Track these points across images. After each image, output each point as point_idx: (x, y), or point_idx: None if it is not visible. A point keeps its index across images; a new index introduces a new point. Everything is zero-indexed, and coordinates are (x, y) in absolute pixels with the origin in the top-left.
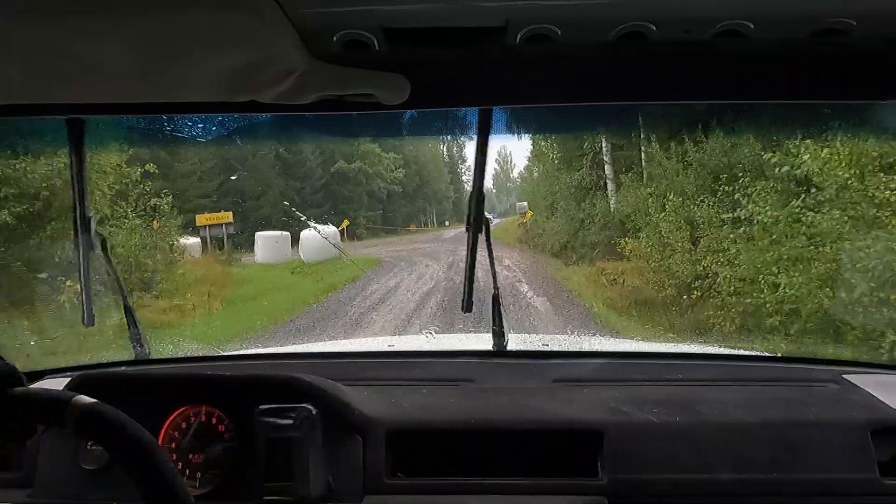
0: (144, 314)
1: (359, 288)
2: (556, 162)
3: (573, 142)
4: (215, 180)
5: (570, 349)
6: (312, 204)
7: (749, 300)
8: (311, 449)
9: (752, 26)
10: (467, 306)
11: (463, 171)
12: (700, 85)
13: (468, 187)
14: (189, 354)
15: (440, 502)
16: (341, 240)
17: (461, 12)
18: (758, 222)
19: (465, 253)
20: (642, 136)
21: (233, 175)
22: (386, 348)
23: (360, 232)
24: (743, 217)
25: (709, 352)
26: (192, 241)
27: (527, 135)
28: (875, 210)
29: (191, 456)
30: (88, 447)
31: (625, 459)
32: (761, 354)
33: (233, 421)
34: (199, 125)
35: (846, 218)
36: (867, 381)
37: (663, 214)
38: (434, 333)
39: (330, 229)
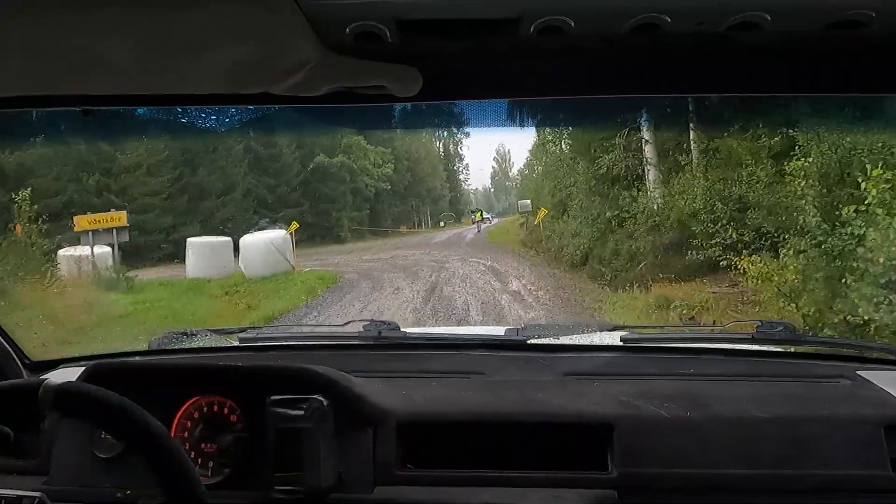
0: None
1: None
2: (566, 150)
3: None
4: (168, 175)
5: (581, 343)
6: (289, 203)
7: None
8: (321, 440)
9: (768, 18)
10: None
11: (461, 168)
12: (714, 77)
13: (466, 186)
14: (202, 345)
15: (450, 494)
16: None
17: (475, 4)
18: None
19: (456, 264)
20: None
21: (189, 169)
22: (398, 340)
23: (343, 234)
24: None
25: (721, 347)
26: (102, 250)
27: (546, 128)
28: None
29: (203, 445)
30: (103, 435)
31: (635, 453)
32: (774, 350)
33: (244, 411)
34: (213, 117)
35: None
36: (882, 378)
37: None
38: (445, 326)
39: (278, 234)
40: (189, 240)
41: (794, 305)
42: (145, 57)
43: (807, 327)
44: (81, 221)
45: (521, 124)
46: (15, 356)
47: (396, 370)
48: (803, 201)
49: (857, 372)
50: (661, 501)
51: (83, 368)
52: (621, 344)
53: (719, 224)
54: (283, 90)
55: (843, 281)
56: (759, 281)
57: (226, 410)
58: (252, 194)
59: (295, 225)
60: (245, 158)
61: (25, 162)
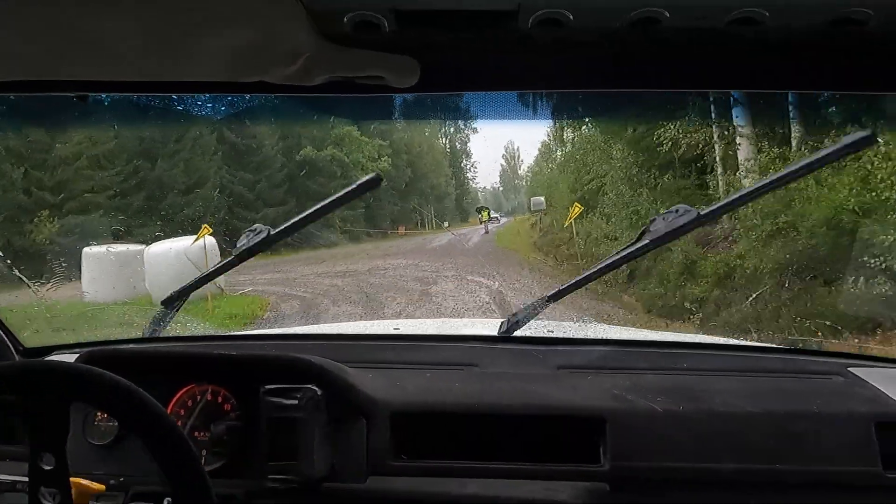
0: None
1: None
2: (593, 132)
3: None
4: (118, 168)
5: (574, 336)
6: (271, 201)
7: None
8: (315, 429)
9: (767, 14)
10: None
11: (468, 165)
12: (714, 73)
13: (473, 183)
14: (197, 334)
15: (443, 485)
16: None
17: None
18: None
19: (448, 287)
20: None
21: (145, 160)
22: (391, 331)
23: (334, 237)
24: None
25: (713, 342)
26: None
27: (557, 121)
28: None
29: (196, 434)
30: (96, 422)
31: (627, 447)
32: (766, 346)
33: (238, 400)
34: (209, 104)
35: None
36: (873, 375)
37: None
38: (440, 317)
39: (190, 243)
40: (84, 250)
41: None
42: (142, 43)
43: None
44: None
45: (531, 116)
46: (9, 343)
47: (390, 361)
48: None
49: (850, 369)
50: (652, 495)
51: (77, 356)
52: (615, 338)
53: None
54: (279, 79)
55: None
56: None
57: (220, 399)
58: (227, 191)
59: (207, 230)
60: (217, 150)
61: None
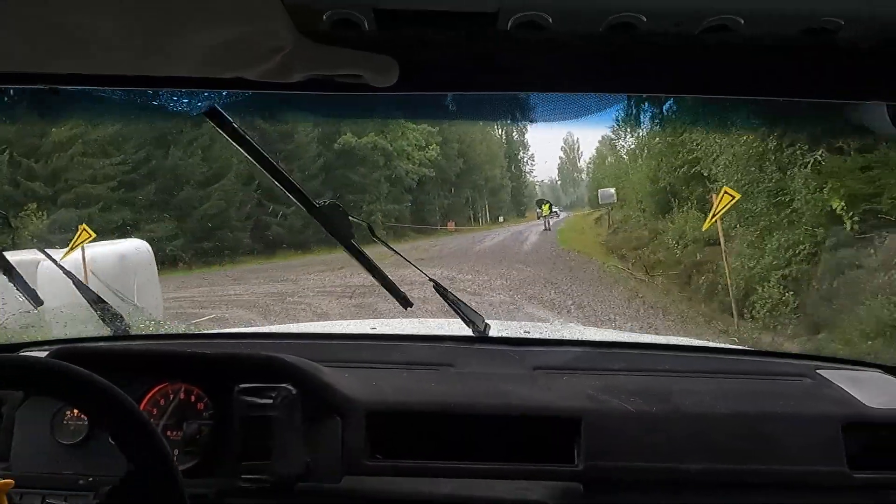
0: None
1: None
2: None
3: None
4: (124, 155)
5: (550, 337)
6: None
7: None
8: (289, 429)
9: (741, 22)
10: None
11: (525, 158)
12: (689, 78)
13: (531, 177)
14: (171, 332)
15: (418, 485)
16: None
17: None
18: None
19: (500, 311)
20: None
21: (156, 148)
22: (367, 331)
23: (378, 233)
24: None
25: (687, 343)
26: None
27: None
28: None
29: (169, 433)
30: (65, 421)
31: (601, 447)
32: (737, 348)
33: (212, 399)
34: (185, 100)
35: None
36: (840, 377)
37: None
38: (415, 317)
39: (129, 248)
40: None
41: None
42: (118, 37)
43: None
44: None
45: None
46: None
47: (366, 360)
48: None
49: (818, 371)
50: (625, 494)
51: (47, 353)
52: (590, 339)
53: None
54: (257, 75)
55: None
56: None
57: (193, 398)
58: (254, 183)
59: (86, 235)
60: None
61: None
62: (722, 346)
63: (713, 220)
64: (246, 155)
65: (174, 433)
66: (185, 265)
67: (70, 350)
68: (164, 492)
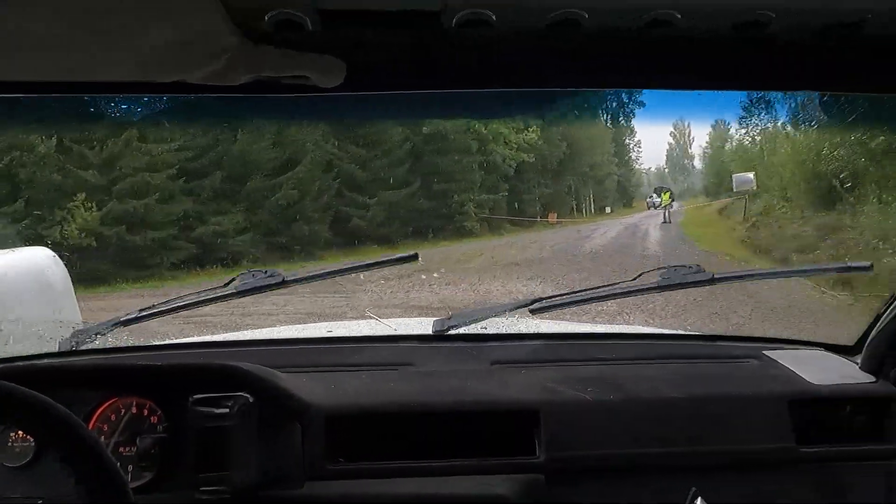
0: None
1: None
2: None
3: None
4: (185, 141)
5: (508, 332)
6: (391, 182)
7: None
8: (247, 437)
9: (679, 16)
10: None
11: (632, 144)
12: (631, 72)
13: (638, 166)
14: (119, 345)
15: (381, 486)
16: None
17: None
18: None
19: None
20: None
21: (222, 132)
22: (324, 334)
23: (469, 225)
24: None
25: (639, 331)
26: None
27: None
28: None
29: (121, 449)
30: (10, 443)
31: (560, 437)
32: (686, 333)
33: (165, 412)
34: (123, 106)
35: None
36: (785, 357)
37: None
38: (373, 318)
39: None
40: None
41: None
42: (51, 41)
43: None
44: None
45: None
46: None
47: (324, 364)
48: None
49: (764, 352)
50: (586, 483)
51: None
52: (546, 332)
53: None
54: (199, 79)
55: None
56: None
57: (145, 412)
58: (333, 171)
59: None
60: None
61: None
62: (672, 332)
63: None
64: None
65: (127, 449)
66: (249, 262)
67: (9, 370)
68: None
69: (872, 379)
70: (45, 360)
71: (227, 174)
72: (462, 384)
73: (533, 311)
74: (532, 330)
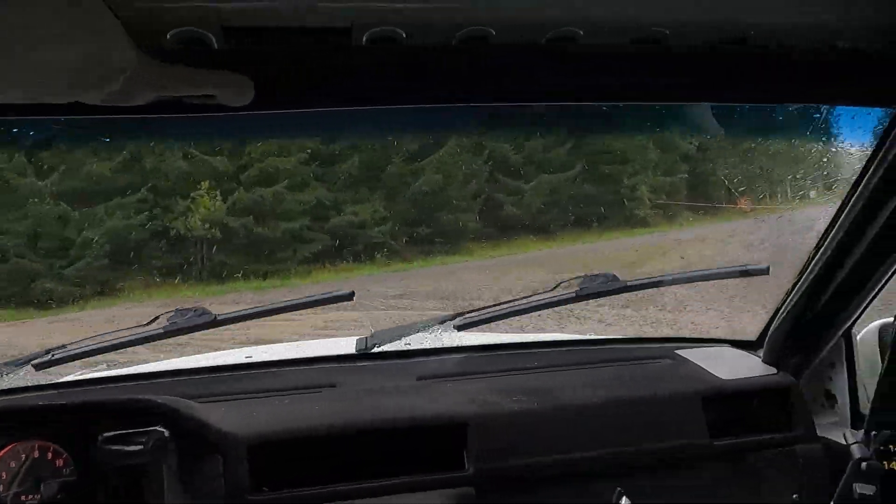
0: None
1: None
2: None
3: None
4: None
5: (432, 346)
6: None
7: None
8: (165, 474)
9: (581, 32)
10: None
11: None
12: (539, 88)
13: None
14: (11, 385)
15: None
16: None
17: (304, 12)
18: None
19: None
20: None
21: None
22: (243, 360)
23: (641, 213)
24: None
25: (560, 339)
26: None
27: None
28: None
29: (24, 498)
30: None
31: (490, 449)
32: (603, 338)
33: (72, 453)
34: (14, 130)
35: None
36: (696, 355)
37: None
38: (294, 341)
39: None
40: None
41: None
42: None
43: None
44: None
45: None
46: None
47: (243, 391)
48: None
49: (677, 351)
50: (516, 493)
51: None
52: (470, 344)
53: None
54: (98, 99)
55: None
56: None
57: (49, 455)
58: (484, 152)
59: None
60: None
61: None
62: (590, 337)
63: None
64: None
65: (30, 497)
66: (387, 257)
67: None
68: None
69: (774, 371)
70: None
71: (365, 158)
72: (388, 402)
73: (457, 327)
74: (457, 343)
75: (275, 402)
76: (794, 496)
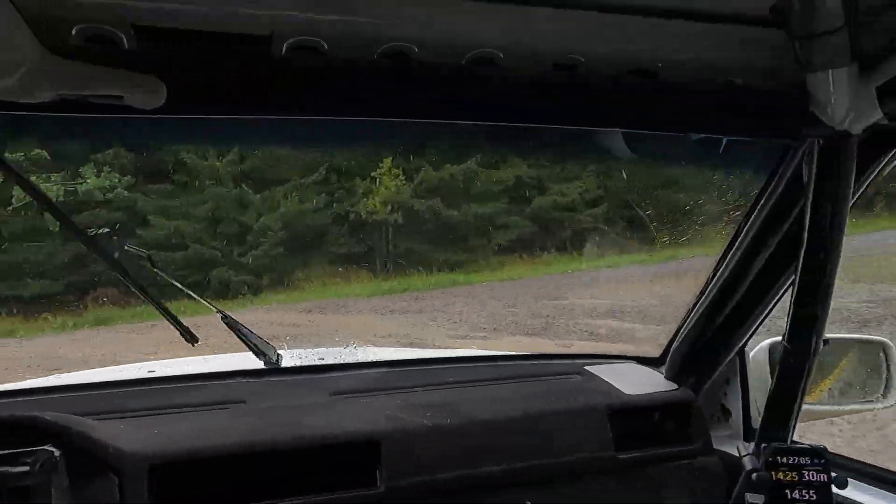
0: None
1: None
2: None
3: None
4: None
5: (346, 361)
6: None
7: None
8: (55, 496)
9: (501, 55)
10: None
11: None
12: (456, 107)
13: None
14: None
15: None
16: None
17: (220, 17)
18: None
19: None
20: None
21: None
22: (145, 375)
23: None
24: None
25: (472, 354)
26: None
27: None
28: None
29: None
30: None
31: (402, 466)
32: (515, 354)
33: None
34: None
35: None
36: (604, 371)
37: None
38: (201, 356)
39: None
40: None
41: None
42: None
43: None
44: None
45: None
46: None
47: (144, 407)
48: None
49: (586, 367)
50: None
51: None
52: (384, 359)
53: None
54: None
55: None
56: None
57: None
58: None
59: None
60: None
61: None
62: (502, 353)
63: None
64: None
65: None
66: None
67: None
68: None
69: (675, 387)
70: None
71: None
72: (299, 418)
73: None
74: (370, 358)
75: (179, 419)
76: None
